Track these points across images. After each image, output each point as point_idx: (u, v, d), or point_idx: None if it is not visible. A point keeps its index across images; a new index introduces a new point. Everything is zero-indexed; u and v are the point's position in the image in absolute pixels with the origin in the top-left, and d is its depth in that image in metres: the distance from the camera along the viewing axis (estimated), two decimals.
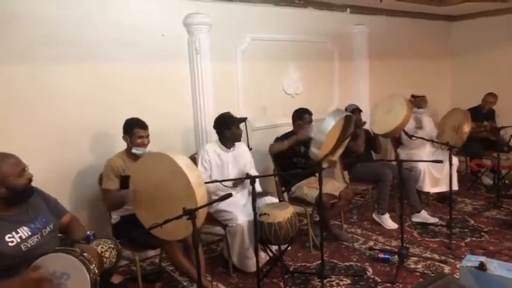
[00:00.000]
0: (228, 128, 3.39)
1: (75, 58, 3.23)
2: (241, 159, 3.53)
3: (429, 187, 4.51)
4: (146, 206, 2.57)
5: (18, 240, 2.01)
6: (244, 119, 3.51)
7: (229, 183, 3.22)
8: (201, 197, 2.23)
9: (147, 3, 3.59)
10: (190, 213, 2.02)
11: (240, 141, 3.50)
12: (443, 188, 4.55)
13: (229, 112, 3.49)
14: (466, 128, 4.41)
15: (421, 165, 4.44)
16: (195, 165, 2.60)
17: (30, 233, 2.06)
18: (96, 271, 1.79)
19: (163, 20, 3.67)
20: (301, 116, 3.90)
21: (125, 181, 2.68)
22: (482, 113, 5.23)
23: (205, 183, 2.54)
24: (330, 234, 3.79)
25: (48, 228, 2.15)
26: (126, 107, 3.30)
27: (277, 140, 3.88)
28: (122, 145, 3.08)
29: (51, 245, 2.08)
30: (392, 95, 4.21)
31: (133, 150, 2.95)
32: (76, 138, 3.27)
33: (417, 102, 4.82)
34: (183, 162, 2.30)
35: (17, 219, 2.06)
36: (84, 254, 1.81)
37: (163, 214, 2.16)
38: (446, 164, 3.80)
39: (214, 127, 3.47)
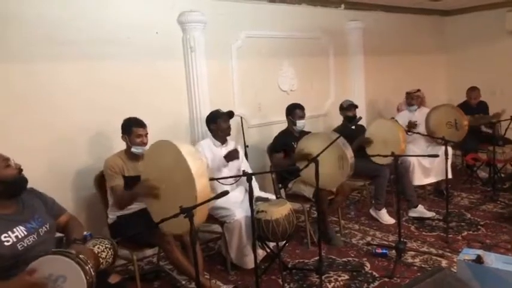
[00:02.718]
0: (214, 122, 3.46)
1: (72, 57, 3.22)
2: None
3: (420, 179, 4.52)
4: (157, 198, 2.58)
5: (14, 239, 1.99)
6: (230, 113, 3.55)
7: (225, 181, 3.21)
8: (202, 187, 2.20)
9: (142, 1, 3.58)
10: (187, 212, 2.01)
11: (229, 135, 3.55)
12: (434, 178, 4.57)
13: (218, 109, 3.53)
14: (465, 121, 4.44)
15: (410, 158, 4.42)
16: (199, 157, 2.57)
17: (26, 233, 2.05)
18: (93, 273, 1.78)
19: (157, 18, 3.65)
20: (292, 111, 3.92)
21: (136, 181, 2.71)
22: (472, 108, 5.21)
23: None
24: (325, 232, 3.70)
25: (44, 228, 2.14)
26: (124, 106, 3.29)
27: (275, 141, 3.93)
28: (120, 145, 3.07)
29: (47, 245, 2.07)
30: (387, 124, 4.19)
31: (133, 149, 2.95)
32: (74, 137, 3.26)
33: (408, 100, 4.81)
34: (187, 150, 2.29)
35: (13, 219, 2.05)
36: (81, 256, 1.80)
37: (169, 203, 2.17)
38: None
39: (206, 124, 3.55)
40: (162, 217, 2.15)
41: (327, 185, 3.45)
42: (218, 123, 3.46)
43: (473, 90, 5.23)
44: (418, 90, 4.79)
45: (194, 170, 2.19)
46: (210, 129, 3.53)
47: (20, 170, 2.11)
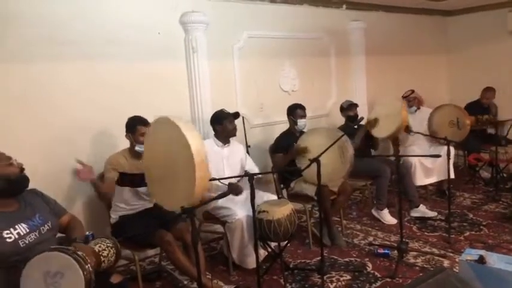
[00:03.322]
0: (219, 123, 3.45)
1: (73, 57, 3.22)
2: (236, 156, 3.57)
3: (421, 180, 4.51)
4: (156, 176, 2.52)
5: (16, 236, 2.00)
6: (236, 114, 3.55)
7: (227, 181, 3.21)
8: (200, 161, 2.14)
9: (144, 2, 3.58)
10: (189, 212, 2.01)
11: (235, 135, 3.54)
12: (436, 178, 4.57)
13: (222, 109, 3.51)
14: (468, 120, 4.45)
15: (411, 158, 4.42)
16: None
17: (28, 230, 2.06)
18: (91, 269, 1.78)
19: (159, 19, 3.66)
20: (293, 111, 3.93)
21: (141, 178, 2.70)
22: (483, 108, 5.21)
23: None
24: (330, 231, 3.69)
25: (46, 226, 2.15)
26: (125, 106, 3.29)
27: (277, 142, 3.93)
28: (122, 145, 3.08)
29: (49, 244, 2.08)
30: (388, 100, 4.23)
31: (137, 148, 2.95)
32: (75, 136, 3.26)
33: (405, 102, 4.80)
34: (184, 125, 2.25)
35: (15, 216, 2.06)
36: (78, 253, 1.80)
37: (170, 179, 2.18)
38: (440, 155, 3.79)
39: (210, 124, 3.53)
40: (163, 196, 2.21)
41: (330, 179, 3.44)
42: (224, 125, 3.44)
43: (488, 90, 5.23)
44: (412, 92, 4.77)
45: (194, 146, 2.14)
46: (214, 130, 3.51)
47: (22, 169, 2.12)
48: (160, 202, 2.44)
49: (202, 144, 2.12)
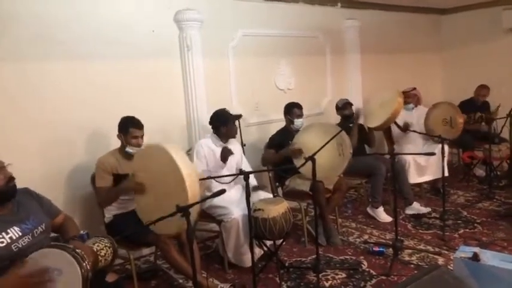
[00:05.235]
0: (224, 125, 3.40)
1: (66, 56, 3.20)
2: (234, 156, 3.52)
3: (414, 178, 4.52)
4: (146, 197, 2.61)
5: (9, 240, 1.99)
6: (239, 116, 3.56)
7: (223, 179, 3.21)
8: (192, 195, 2.23)
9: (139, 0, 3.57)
10: (184, 210, 2.01)
11: (235, 137, 3.52)
12: (430, 176, 4.58)
13: (225, 108, 3.49)
14: (460, 119, 4.48)
15: (406, 156, 4.43)
16: (190, 161, 2.62)
17: (21, 233, 2.04)
18: (89, 267, 1.77)
19: (153, 17, 3.64)
20: (290, 110, 3.92)
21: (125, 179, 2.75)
22: (476, 106, 5.24)
23: (200, 179, 2.54)
24: (325, 228, 3.71)
25: (40, 228, 2.13)
26: (119, 105, 3.28)
27: (272, 139, 3.92)
28: (116, 144, 3.06)
29: (43, 246, 2.06)
30: (385, 90, 4.26)
31: (127, 149, 2.93)
32: (69, 137, 3.25)
33: (404, 98, 4.80)
34: (179, 156, 2.31)
35: (7, 220, 2.04)
36: (77, 250, 1.80)
37: (161, 206, 2.18)
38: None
39: (210, 123, 3.47)
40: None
41: (330, 174, 3.48)
42: (229, 127, 3.40)
43: (483, 88, 5.27)
44: (414, 89, 4.80)
45: (185, 174, 2.23)
46: (216, 129, 3.42)
47: (10, 179, 2.08)
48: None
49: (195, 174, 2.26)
